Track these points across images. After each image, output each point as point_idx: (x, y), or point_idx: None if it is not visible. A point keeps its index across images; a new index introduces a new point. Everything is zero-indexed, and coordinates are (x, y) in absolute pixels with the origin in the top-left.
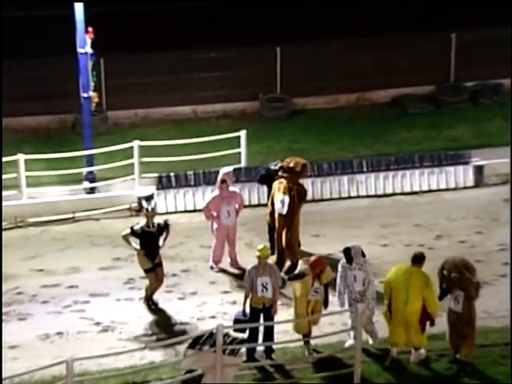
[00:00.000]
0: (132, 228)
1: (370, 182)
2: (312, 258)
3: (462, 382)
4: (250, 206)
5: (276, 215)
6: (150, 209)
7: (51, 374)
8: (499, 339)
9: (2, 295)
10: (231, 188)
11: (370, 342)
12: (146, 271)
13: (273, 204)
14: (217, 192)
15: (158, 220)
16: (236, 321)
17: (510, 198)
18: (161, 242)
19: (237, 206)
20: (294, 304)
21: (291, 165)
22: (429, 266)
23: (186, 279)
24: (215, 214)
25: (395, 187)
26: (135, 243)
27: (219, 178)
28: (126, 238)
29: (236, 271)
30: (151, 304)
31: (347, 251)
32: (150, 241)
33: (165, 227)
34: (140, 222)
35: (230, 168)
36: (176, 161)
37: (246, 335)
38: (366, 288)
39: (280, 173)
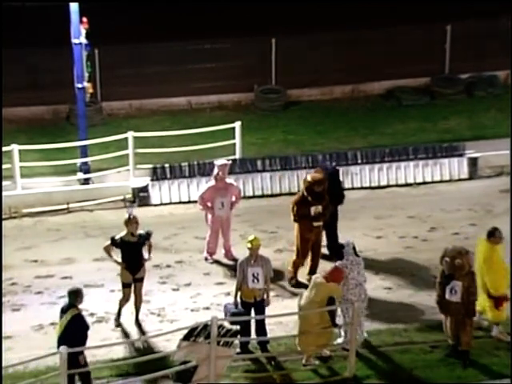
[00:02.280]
0: (112, 238)
1: (364, 173)
2: (330, 269)
3: (457, 374)
4: (245, 197)
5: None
6: (132, 216)
7: (45, 364)
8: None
9: (1, 286)
10: (228, 180)
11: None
12: (123, 285)
13: None
14: (212, 182)
15: (140, 231)
16: (227, 310)
17: (510, 191)
18: (146, 255)
19: (233, 198)
20: (301, 318)
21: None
22: (423, 258)
23: (180, 270)
24: (209, 204)
25: (390, 179)
26: (116, 255)
27: (215, 169)
28: (107, 249)
29: (230, 262)
30: (117, 321)
31: (340, 247)
32: (131, 252)
33: (147, 238)
34: (121, 232)
35: (225, 160)
36: (170, 152)
37: (238, 326)
38: (356, 287)
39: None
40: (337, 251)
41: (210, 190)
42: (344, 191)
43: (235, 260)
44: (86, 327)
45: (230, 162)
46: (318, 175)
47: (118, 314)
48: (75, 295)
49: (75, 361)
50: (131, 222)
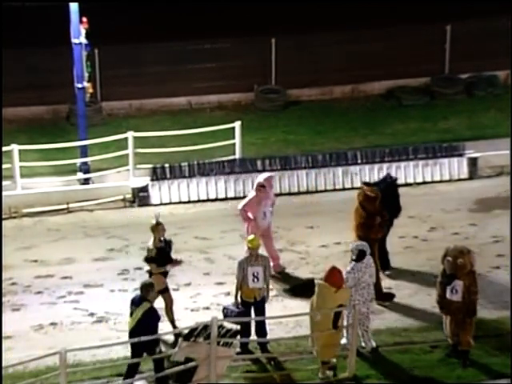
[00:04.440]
0: (147, 258)
1: (364, 173)
2: (329, 270)
3: (457, 373)
4: (245, 197)
5: None
6: (159, 222)
7: (45, 364)
8: (493, 330)
9: (1, 286)
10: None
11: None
12: (161, 291)
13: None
14: (253, 194)
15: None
16: (229, 310)
17: (510, 191)
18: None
19: (270, 208)
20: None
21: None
22: (423, 258)
23: (180, 270)
24: (251, 216)
25: None
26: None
27: (258, 180)
28: (155, 273)
29: (230, 262)
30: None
31: (361, 252)
32: (164, 258)
33: (170, 243)
34: (149, 246)
35: (270, 173)
36: (170, 152)
37: (239, 326)
38: (364, 288)
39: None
40: (385, 265)
41: (252, 202)
42: (400, 204)
43: (283, 270)
44: (158, 320)
45: (274, 174)
46: (371, 193)
47: (173, 323)
48: (147, 288)
49: (150, 352)
50: (158, 228)
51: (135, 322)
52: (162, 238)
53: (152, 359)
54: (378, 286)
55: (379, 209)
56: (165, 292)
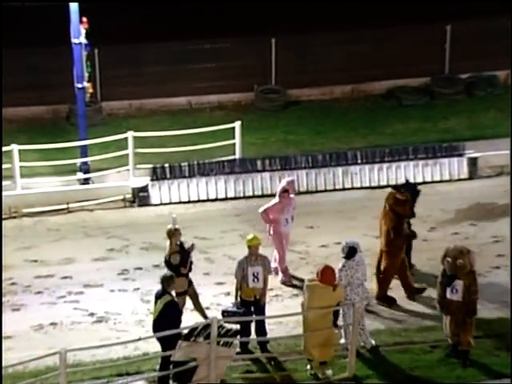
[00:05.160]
0: (170, 263)
1: (364, 173)
2: (322, 269)
3: (457, 373)
4: (245, 197)
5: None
6: (176, 227)
7: (45, 364)
8: (492, 330)
9: (1, 286)
10: (291, 195)
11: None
12: (179, 294)
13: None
14: (277, 199)
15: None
16: (229, 313)
17: (510, 191)
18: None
19: (292, 213)
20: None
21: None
22: (423, 258)
23: None
24: (272, 217)
25: (389, 179)
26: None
27: (281, 186)
28: (178, 282)
29: (230, 262)
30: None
31: (351, 249)
32: (183, 260)
33: (191, 249)
34: (167, 251)
35: (292, 177)
36: (170, 152)
37: (238, 326)
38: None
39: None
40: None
41: (275, 207)
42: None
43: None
44: (179, 313)
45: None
46: (402, 196)
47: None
48: (167, 282)
49: (172, 345)
50: (176, 233)
51: (157, 314)
52: (178, 242)
53: (161, 356)
54: (408, 284)
55: (409, 212)
56: (182, 295)
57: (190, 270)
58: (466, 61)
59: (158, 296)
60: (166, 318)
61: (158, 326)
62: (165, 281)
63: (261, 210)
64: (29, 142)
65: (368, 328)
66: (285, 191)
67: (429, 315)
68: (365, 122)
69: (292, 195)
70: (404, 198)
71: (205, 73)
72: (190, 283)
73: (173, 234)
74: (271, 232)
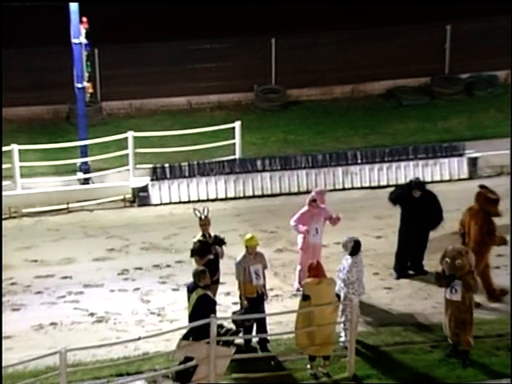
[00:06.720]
0: (193, 250)
1: (364, 173)
2: (309, 266)
3: (457, 373)
4: (245, 197)
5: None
6: (203, 216)
7: (45, 364)
8: (492, 330)
9: (1, 286)
10: (321, 205)
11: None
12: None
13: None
14: (306, 208)
15: (214, 232)
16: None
17: (510, 191)
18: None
19: (322, 224)
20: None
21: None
22: None
23: (180, 270)
24: (302, 228)
25: (389, 179)
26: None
27: (311, 195)
28: (201, 263)
29: (229, 262)
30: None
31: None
32: (206, 250)
33: (222, 241)
34: (196, 238)
35: (322, 188)
36: (170, 152)
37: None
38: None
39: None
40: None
41: (304, 216)
42: (442, 213)
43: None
44: (212, 304)
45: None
46: (493, 195)
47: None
48: (199, 275)
49: (205, 335)
50: (205, 221)
51: (191, 307)
52: (207, 234)
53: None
54: (488, 284)
55: (499, 212)
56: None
57: (216, 266)
58: (466, 61)
59: (191, 290)
60: (200, 311)
61: (193, 319)
62: (196, 275)
63: (291, 221)
64: (29, 142)
65: (368, 328)
66: (313, 200)
67: (429, 315)
68: (365, 122)
69: (323, 205)
70: (495, 197)
71: (205, 73)
72: (215, 282)
73: (203, 223)
74: (300, 243)
